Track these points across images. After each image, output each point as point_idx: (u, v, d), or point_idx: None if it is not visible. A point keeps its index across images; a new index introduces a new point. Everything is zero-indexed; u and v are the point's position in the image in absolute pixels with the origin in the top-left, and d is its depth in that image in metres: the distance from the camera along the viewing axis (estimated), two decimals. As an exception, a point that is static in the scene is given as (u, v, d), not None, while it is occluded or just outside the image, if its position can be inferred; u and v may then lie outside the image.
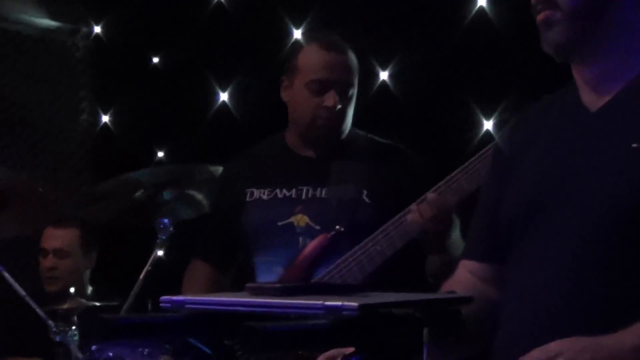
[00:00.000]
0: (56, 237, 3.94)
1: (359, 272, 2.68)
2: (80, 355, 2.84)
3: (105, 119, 4.71)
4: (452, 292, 1.80)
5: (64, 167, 4.69)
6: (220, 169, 3.16)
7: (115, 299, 3.21)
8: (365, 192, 2.84)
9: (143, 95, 4.53)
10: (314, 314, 1.38)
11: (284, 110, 2.97)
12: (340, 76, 2.85)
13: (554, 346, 1.62)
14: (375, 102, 3.68)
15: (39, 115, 4.62)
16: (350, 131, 2.92)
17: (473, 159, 2.64)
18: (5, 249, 3.40)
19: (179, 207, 3.20)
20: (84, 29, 4.75)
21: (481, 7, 3.60)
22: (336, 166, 2.88)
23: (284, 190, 2.88)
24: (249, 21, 4.25)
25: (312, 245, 2.79)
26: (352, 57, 2.89)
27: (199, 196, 3.28)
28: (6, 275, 2.95)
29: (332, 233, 2.79)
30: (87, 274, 4.00)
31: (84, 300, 3.20)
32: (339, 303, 1.37)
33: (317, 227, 2.82)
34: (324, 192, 2.85)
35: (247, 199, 2.91)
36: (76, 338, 2.87)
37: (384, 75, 3.84)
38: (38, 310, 2.95)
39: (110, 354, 1.59)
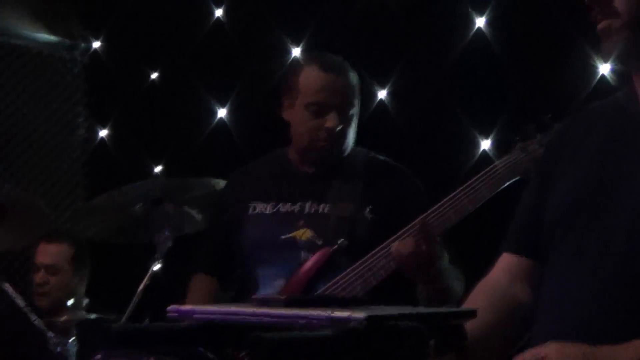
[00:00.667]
0: (48, 253, 3.94)
1: (361, 287, 2.69)
2: (78, 366, 2.84)
3: (102, 134, 4.71)
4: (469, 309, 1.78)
5: (60, 181, 4.69)
6: (218, 182, 3.16)
7: (112, 312, 3.21)
8: (367, 208, 2.85)
9: (141, 111, 4.54)
10: (321, 325, 1.38)
11: (280, 128, 2.98)
12: (341, 98, 2.86)
13: (542, 349, 1.61)
14: (372, 121, 3.69)
15: (35, 129, 4.62)
16: (351, 148, 2.94)
17: (471, 181, 2.67)
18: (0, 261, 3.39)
19: (176, 221, 3.21)
20: (83, 45, 4.76)
21: (479, 29, 3.62)
22: (338, 182, 2.90)
23: (287, 205, 2.89)
24: (247, 38, 4.27)
25: (314, 258, 2.80)
26: (353, 77, 2.91)
27: (196, 212, 3.29)
28: (7, 286, 2.95)
29: (335, 247, 2.80)
30: (83, 288, 4.00)
31: (82, 313, 3.20)
32: (346, 315, 1.37)
33: (320, 242, 2.82)
34: (326, 208, 2.87)
35: (250, 212, 2.92)
36: (75, 349, 2.87)
37: (381, 94, 3.86)
38: (37, 322, 2.94)
39: (114, 364, 1.58)
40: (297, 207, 2.88)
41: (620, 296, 1.69)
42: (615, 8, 1.76)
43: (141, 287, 3.07)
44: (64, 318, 3.07)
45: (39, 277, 3.91)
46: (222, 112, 4.33)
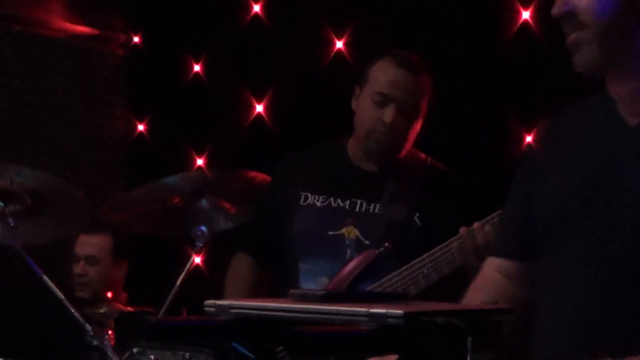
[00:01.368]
0: (88, 244, 3.97)
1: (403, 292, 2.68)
2: (116, 358, 2.84)
3: (140, 127, 4.73)
4: (495, 303, 1.79)
5: (100, 173, 4.72)
6: (259, 175, 3.15)
7: (150, 305, 3.21)
8: (417, 214, 2.84)
9: (180, 104, 4.55)
10: (359, 320, 1.37)
11: (320, 122, 2.97)
12: (405, 95, 2.84)
13: None
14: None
15: (75, 121, 4.65)
16: (410, 151, 2.92)
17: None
18: (41, 253, 3.41)
19: (214, 215, 3.19)
20: (123, 38, 4.78)
21: (525, 21, 3.59)
22: (392, 184, 2.88)
23: (339, 200, 2.89)
24: (287, 32, 4.26)
25: (359, 258, 2.80)
26: (424, 80, 2.89)
27: (233, 205, 3.26)
28: (45, 279, 2.96)
29: (381, 249, 2.80)
30: (121, 280, 4.02)
31: (119, 305, 3.20)
32: (384, 310, 1.36)
33: (367, 242, 2.82)
34: (377, 208, 2.86)
35: (301, 202, 2.92)
36: (113, 342, 2.87)
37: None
38: (76, 314, 2.95)
39: (152, 357, 1.58)
40: (348, 204, 2.87)
41: (620, 296, 1.71)
42: (582, 21, 1.80)
43: (179, 280, 3.07)
44: (102, 310, 3.08)
45: (78, 267, 3.95)
46: (259, 107, 4.33)
